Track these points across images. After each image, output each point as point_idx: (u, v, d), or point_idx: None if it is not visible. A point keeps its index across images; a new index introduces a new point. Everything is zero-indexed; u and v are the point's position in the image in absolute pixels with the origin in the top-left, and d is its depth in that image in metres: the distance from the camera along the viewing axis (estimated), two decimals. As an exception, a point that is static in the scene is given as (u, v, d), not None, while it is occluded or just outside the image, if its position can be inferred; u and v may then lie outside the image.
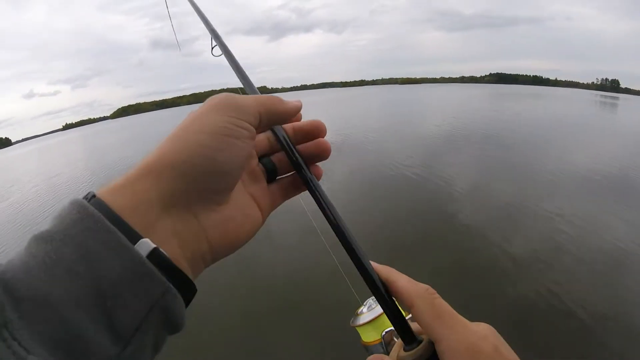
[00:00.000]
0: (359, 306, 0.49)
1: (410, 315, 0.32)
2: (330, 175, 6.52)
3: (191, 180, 0.28)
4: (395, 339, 0.40)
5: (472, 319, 0.30)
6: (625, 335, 2.66)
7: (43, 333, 0.20)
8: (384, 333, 0.41)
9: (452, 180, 6.16)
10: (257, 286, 3.79)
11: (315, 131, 0.39)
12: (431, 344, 0.30)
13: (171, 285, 0.24)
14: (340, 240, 0.34)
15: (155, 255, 0.24)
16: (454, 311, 0.31)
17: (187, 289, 0.27)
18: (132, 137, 27.06)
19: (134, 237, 0.24)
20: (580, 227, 4.40)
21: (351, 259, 0.33)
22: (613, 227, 4.38)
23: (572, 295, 3.09)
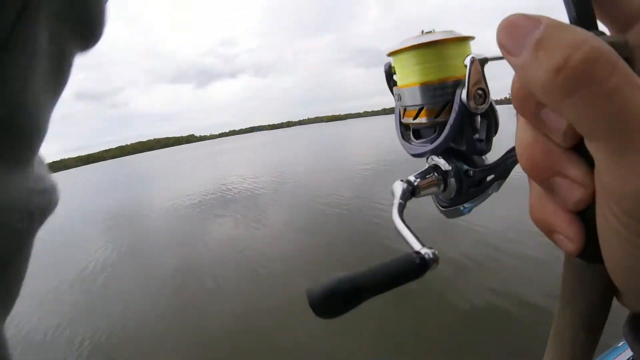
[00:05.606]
0: None
1: None
2: (274, 216, 6.89)
3: None
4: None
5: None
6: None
7: None
8: (470, 57, 0.27)
9: (383, 205, 6.14)
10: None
11: None
12: None
13: None
14: None
15: None
16: None
17: None
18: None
19: None
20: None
21: None
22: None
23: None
